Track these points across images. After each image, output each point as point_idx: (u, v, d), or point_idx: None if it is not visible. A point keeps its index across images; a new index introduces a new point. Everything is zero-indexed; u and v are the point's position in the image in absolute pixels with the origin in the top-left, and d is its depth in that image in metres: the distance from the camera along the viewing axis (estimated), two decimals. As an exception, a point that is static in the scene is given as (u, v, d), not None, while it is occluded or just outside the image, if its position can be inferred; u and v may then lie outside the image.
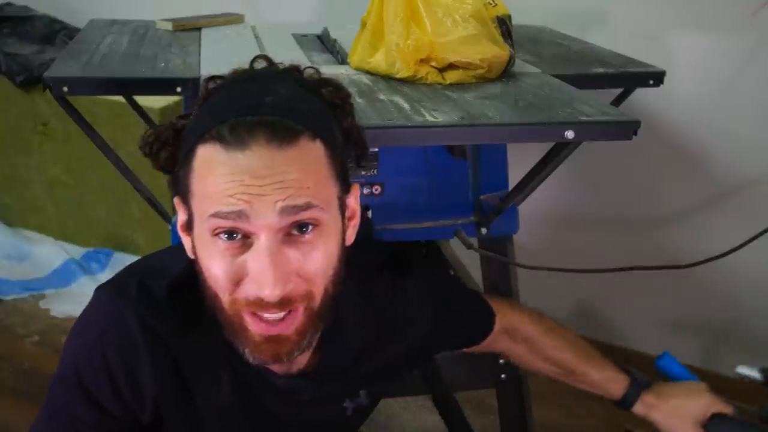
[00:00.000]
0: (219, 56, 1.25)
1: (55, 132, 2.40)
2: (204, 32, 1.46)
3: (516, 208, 1.28)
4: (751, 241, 1.31)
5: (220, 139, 0.68)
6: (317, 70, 0.81)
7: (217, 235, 0.69)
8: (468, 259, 1.57)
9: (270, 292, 0.68)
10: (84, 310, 0.79)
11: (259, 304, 0.70)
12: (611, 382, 1.09)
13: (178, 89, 1.11)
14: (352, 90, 1.09)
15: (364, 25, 1.21)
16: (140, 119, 1.55)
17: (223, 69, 0.79)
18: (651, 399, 1.06)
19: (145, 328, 0.75)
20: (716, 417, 1.02)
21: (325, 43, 1.47)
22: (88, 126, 1.19)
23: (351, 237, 0.79)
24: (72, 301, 2.22)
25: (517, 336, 1.12)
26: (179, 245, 0.77)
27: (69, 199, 2.50)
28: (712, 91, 1.77)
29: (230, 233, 0.68)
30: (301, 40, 1.46)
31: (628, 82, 1.35)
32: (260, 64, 0.80)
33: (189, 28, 1.48)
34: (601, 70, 1.32)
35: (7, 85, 2.35)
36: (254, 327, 0.72)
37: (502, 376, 1.35)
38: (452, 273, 1.68)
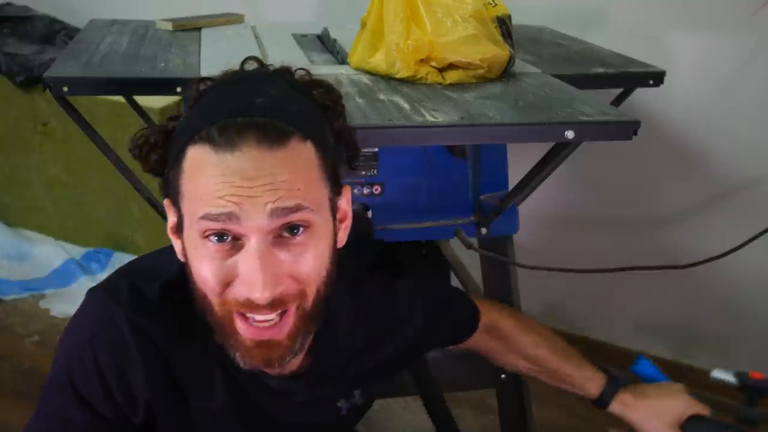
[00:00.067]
0: (219, 56, 1.25)
1: (55, 132, 2.40)
2: (204, 32, 1.46)
3: (516, 208, 1.28)
4: (751, 241, 1.31)
5: (210, 141, 0.68)
6: (308, 72, 0.81)
7: (207, 237, 0.68)
8: (468, 259, 1.57)
9: (260, 294, 0.67)
10: (76, 312, 0.79)
11: (249, 306, 0.69)
12: (588, 380, 1.09)
13: (178, 89, 1.11)
14: (352, 90, 1.09)
15: (364, 25, 1.21)
16: (140, 119, 1.55)
17: (223, 69, 0.79)
18: (628, 398, 1.06)
19: (136, 330, 0.75)
20: (693, 418, 1.02)
21: (325, 43, 1.47)
22: (88, 126, 1.18)
23: (342, 239, 0.78)
24: (72, 301, 2.22)
25: (496, 333, 1.13)
26: None
27: (69, 199, 2.50)
28: (712, 91, 1.77)
29: (220, 235, 0.68)
30: (301, 40, 1.46)
31: (628, 82, 1.35)
32: (251, 65, 0.80)
33: (189, 28, 1.48)
34: (601, 70, 1.32)
35: (7, 85, 2.35)
36: (245, 332, 0.71)
37: (502, 376, 1.35)
38: (452, 273, 1.69)
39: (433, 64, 1.12)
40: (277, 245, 0.69)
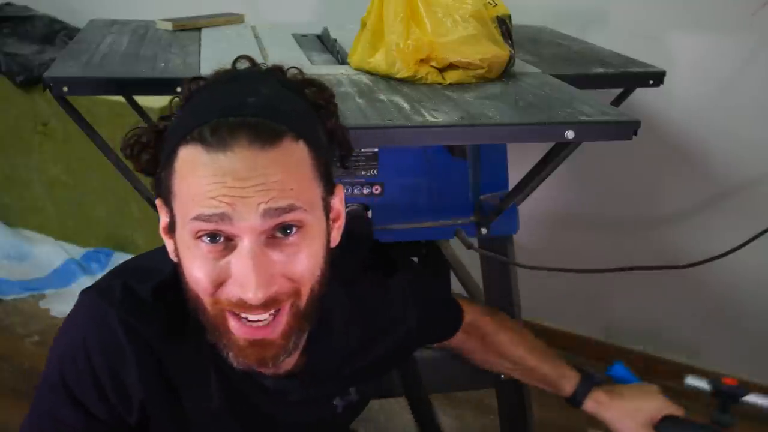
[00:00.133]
0: (219, 56, 1.25)
1: (55, 132, 2.40)
2: (204, 32, 1.46)
3: (516, 208, 1.28)
4: (751, 241, 1.31)
5: (202, 141, 0.67)
6: (300, 70, 0.80)
7: (199, 237, 0.68)
8: (468, 259, 1.57)
9: (253, 295, 0.67)
10: (69, 313, 0.79)
11: (242, 306, 0.69)
12: (563, 378, 1.10)
13: (178, 89, 1.11)
14: (352, 90, 1.09)
15: (364, 25, 1.21)
16: (140, 119, 1.55)
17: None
18: (602, 397, 1.06)
19: (129, 331, 0.75)
20: (667, 419, 1.02)
21: (325, 43, 1.47)
22: (88, 126, 1.18)
23: (336, 238, 0.78)
24: (72, 301, 2.19)
25: (475, 332, 1.13)
26: None
27: (69, 199, 2.50)
28: (712, 91, 1.77)
29: (213, 236, 0.68)
30: (301, 40, 1.46)
31: (628, 82, 1.35)
32: (243, 64, 0.79)
33: (189, 28, 1.48)
34: (601, 70, 1.32)
35: (7, 85, 2.35)
36: (238, 331, 0.71)
37: (502, 376, 1.35)
38: (452, 273, 1.69)
39: (433, 64, 1.12)
40: (270, 245, 0.69)
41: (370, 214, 1.22)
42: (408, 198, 1.25)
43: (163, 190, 0.73)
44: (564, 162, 1.37)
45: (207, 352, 0.77)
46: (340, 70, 1.21)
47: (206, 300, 0.71)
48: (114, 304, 0.75)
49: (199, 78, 0.77)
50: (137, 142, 0.76)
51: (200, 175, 0.67)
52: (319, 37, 1.52)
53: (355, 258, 0.95)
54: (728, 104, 1.75)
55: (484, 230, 1.26)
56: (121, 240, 2.46)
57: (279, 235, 0.69)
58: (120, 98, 1.39)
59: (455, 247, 1.61)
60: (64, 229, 2.55)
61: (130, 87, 1.20)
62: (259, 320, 0.70)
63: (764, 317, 1.89)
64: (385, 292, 0.96)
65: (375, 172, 1.22)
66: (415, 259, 1.76)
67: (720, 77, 1.75)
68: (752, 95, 1.73)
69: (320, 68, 1.23)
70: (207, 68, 1.14)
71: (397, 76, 1.13)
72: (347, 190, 1.21)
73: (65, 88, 1.07)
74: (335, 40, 1.39)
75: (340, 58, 1.31)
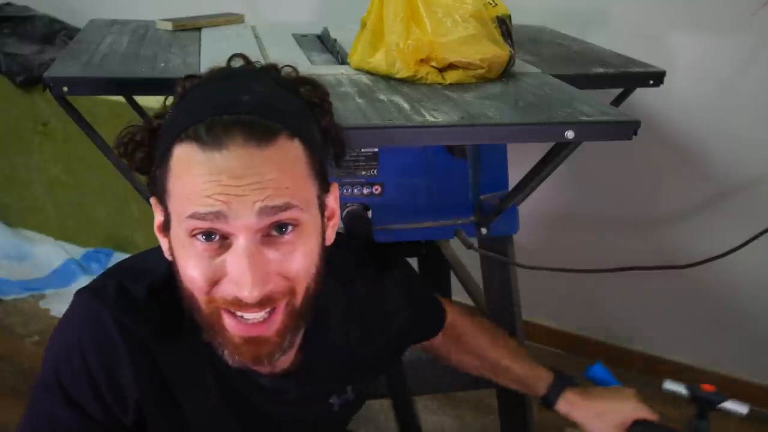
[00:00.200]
0: (219, 56, 1.25)
1: (55, 132, 2.40)
2: (204, 32, 1.46)
3: (516, 208, 1.28)
4: (751, 241, 1.31)
5: (197, 139, 0.67)
6: (295, 69, 0.80)
7: (194, 236, 0.68)
8: (468, 259, 1.57)
9: (248, 293, 0.67)
10: (64, 313, 0.78)
11: (237, 304, 0.69)
12: (536, 379, 1.09)
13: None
14: (352, 90, 1.09)
15: (364, 25, 1.21)
16: (140, 119, 1.54)
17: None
18: (575, 398, 1.05)
19: (123, 330, 0.74)
20: (639, 423, 1.01)
21: (325, 43, 1.47)
22: (88, 126, 1.18)
23: (331, 237, 0.78)
24: (72, 301, 2.22)
25: (452, 332, 1.12)
26: None
27: (69, 199, 2.50)
28: (712, 91, 1.77)
29: (208, 234, 0.68)
30: (301, 40, 1.46)
31: (628, 82, 1.35)
32: (237, 63, 0.79)
33: (189, 28, 1.48)
34: (601, 70, 1.32)
35: (7, 85, 2.35)
36: (233, 329, 0.71)
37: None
38: (452, 273, 1.69)
39: (433, 64, 1.12)
40: (266, 244, 0.69)
41: (370, 214, 1.22)
42: (408, 198, 1.25)
43: (157, 188, 0.73)
44: (564, 162, 1.37)
45: (202, 351, 0.77)
46: (340, 70, 1.22)
47: (201, 298, 0.70)
48: (108, 303, 0.75)
49: (193, 76, 0.77)
50: (131, 140, 0.75)
51: (195, 174, 0.67)
52: (319, 37, 1.52)
53: (352, 256, 0.95)
54: (728, 104, 1.75)
55: (484, 230, 1.26)
56: (121, 240, 2.46)
57: (274, 233, 0.69)
58: (120, 98, 1.39)
59: (455, 247, 1.61)
60: (64, 229, 2.55)
61: (130, 87, 1.20)
62: (254, 318, 0.70)
63: (764, 317, 1.89)
64: (380, 288, 0.96)
65: (375, 172, 1.22)
66: (415, 259, 1.76)
67: (720, 77, 1.75)
68: (752, 95, 1.73)
69: (320, 68, 1.23)
70: (207, 68, 1.14)
71: (397, 76, 1.13)
72: (347, 190, 1.21)
73: (65, 88, 1.07)
74: (335, 40, 1.39)
75: (340, 58, 1.31)
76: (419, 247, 1.73)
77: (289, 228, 0.69)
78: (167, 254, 0.74)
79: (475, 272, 1.46)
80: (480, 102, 1.05)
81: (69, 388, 0.75)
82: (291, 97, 0.75)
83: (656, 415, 1.02)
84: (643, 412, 1.02)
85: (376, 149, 1.21)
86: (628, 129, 0.98)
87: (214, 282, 0.69)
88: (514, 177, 1.25)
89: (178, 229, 0.70)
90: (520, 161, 1.28)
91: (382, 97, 1.06)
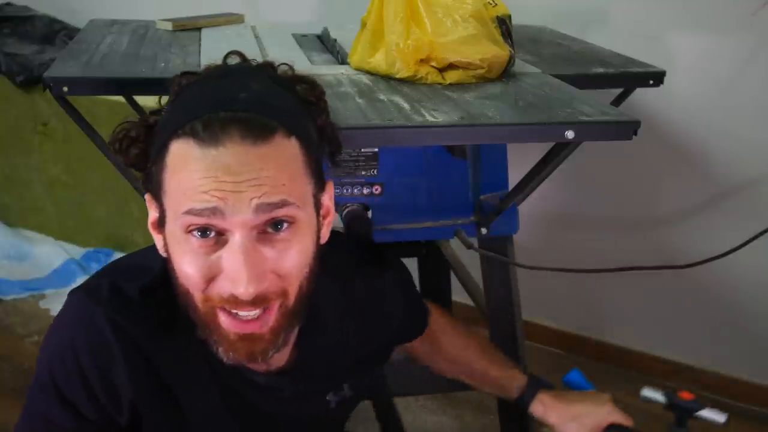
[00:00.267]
0: (219, 56, 1.25)
1: (55, 132, 2.40)
2: (204, 32, 1.46)
3: (516, 208, 1.28)
4: (751, 241, 1.31)
5: (194, 135, 0.67)
6: (291, 67, 0.80)
7: (190, 232, 0.68)
8: (468, 259, 1.57)
9: (244, 290, 0.67)
10: (58, 313, 0.78)
11: (233, 302, 0.69)
12: (510, 381, 1.09)
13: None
14: (352, 90, 1.09)
15: (364, 25, 1.21)
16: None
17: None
18: (549, 400, 1.05)
19: (116, 329, 0.74)
20: (612, 427, 1.01)
21: (325, 43, 1.47)
22: (88, 126, 1.18)
23: (325, 235, 0.78)
24: (72, 301, 2.22)
25: (429, 334, 1.11)
26: None
27: (69, 199, 2.50)
28: (712, 91, 1.77)
29: (204, 230, 0.68)
30: (301, 40, 1.46)
31: (628, 82, 1.35)
32: (233, 60, 0.79)
33: (189, 28, 1.48)
34: (601, 70, 1.32)
35: (7, 85, 2.35)
36: (228, 325, 0.71)
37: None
38: (452, 273, 1.69)
39: (433, 64, 1.12)
40: (261, 241, 0.69)
41: (370, 214, 1.22)
42: (408, 198, 1.25)
43: (153, 184, 0.73)
44: (564, 162, 1.37)
45: (197, 348, 0.77)
46: (340, 70, 1.22)
47: (197, 296, 0.70)
48: (101, 303, 0.75)
49: (189, 73, 0.77)
50: (126, 136, 0.75)
51: (192, 170, 0.67)
52: (319, 37, 1.52)
53: (351, 255, 0.95)
54: (728, 104, 1.75)
55: (484, 230, 1.26)
56: (121, 240, 2.46)
57: (270, 230, 0.69)
58: (120, 98, 1.39)
59: (455, 247, 1.61)
60: (64, 229, 2.55)
61: (130, 87, 1.20)
62: (248, 315, 0.70)
63: (764, 318, 1.89)
64: (379, 286, 0.96)
65: (375, 172, 1.22)
66: (415, 259, 1.76)
67: (720, 77, 1.75)
68: (752, 95, 1.73)
69: (320, 68, 1.23)
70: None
71: (397, 76, 1.13)
72: (347, 190, 1.21)
73: (65, 88, 1.07)
74: (335, 40, 1.39)
75: (340, 58, 1.31)
76: (419, 247, 1.73)
77: (285, 225, 0.69)
78: (162, 251, 0.74)
79: (475, 272, 1.46)
80: (480, 102, 1.05)
81: (63, 388, 0.75)
82: (287, 95, 0.75)
83: (630, 420, 1.02)
84: (617, 417, 1.01)
85: (376, 149, 1.21)
86: (628, 129, 0.98)
87: (210, 279, 0.69)
88: (514, 177, 1.25)
89: (173, 225, 0.70)
90: (520, 161, 1.28)
91: (382, 97, 1.06)
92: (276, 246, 0.69)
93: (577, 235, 2.03)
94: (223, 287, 0.69)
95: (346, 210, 1.19)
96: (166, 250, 0.73)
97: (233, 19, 1.57)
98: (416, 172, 1.25)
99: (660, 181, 1.92)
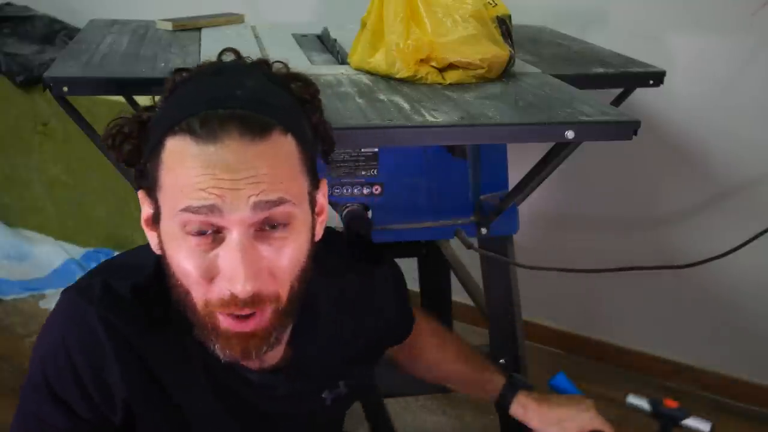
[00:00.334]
0: (219, 56, 1.25)
1: (55, 132, 2.40)
2: (204, 32, 1.46)
3: (516, 208, 1.28)
4: (751, 241, 1.31)
5: (191, 132, 0.67)
6: (285, 65, 0.80)
7: (187, 229, 0.68)
8: (468, 259, 1.57)
9: (242, 287, 0.67)
10: (50, 313, 0.78)
11: (233, 303, 0.69)
12: (488, 382, 1.08)
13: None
14: (352, 90, 1.09)
15: (364, 25, 1.21)
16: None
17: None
18: (529, 402, 1.05)
19: (108, 328, 0.74)
20: None
21: (325, 43, 1.47)
22: (88, 126, 1.19)
23: (319, 233, 0.78)
24: (72, 301, 2.22)
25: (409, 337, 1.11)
26: None
27: (69, 199, 2.50)
28: (712, 91, 1.77)
29: (201, 228, 0.68)
30: (301, 40, 1.46)
31: (628, 82, 1.35)
32: (228, 57, 0.79)
33: (189, 28, 1.48)
34: (601, 70, 1.32)
35: (7, 85, 2.35)
36: (223, 322, 0.71)
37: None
38: (452, 273, 1.69)
39: (433, 64, 1.12)
40: (258, 239, 0.69)
41: (370, 214, 1.22)
42: (408, 198, 1.25)
43: (147, 181, 0.72)
44: (564, 162, 1.37)
45: (193, 348, 0.77)
46: (340, 70, 1.22)
47: (198, 298, 0.70)
48: (93, 301, 0.75)
49: (183, 69, 0.76)
50: (119, 132, 0.75)
51: (189, 167, 0.67)
52: (319, 37, 1.52)
53: (344, 251, 0.95)
54: (728, 104, 1.76)
55: (484, 230, 1.26)
56: (121, 240, 2.46)
57: (267, 228, 0.69)
58: (120, 98, 1.39)
59: (455, 247, 1.61)
60: (64, 229, 2.55)
61: (130, 87, 1.20)
62: (242, 312, 0.70)
63: (764, 317, 1.89)
64: (371, 282, 0.96)
65: (375, 172, 1.22)
66: (415, 258, 1.76)
67: (720, 77, 1.75)
68: (752, 95, 1.73)
69: (320, 68, 1.23)
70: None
71: (397, 76, 1.13)
72: (347, 190, 1.21)
73: (65, 88, 1.07)
74: (335, 40, 1.39)
75: (340, 58, 1.31)
76: (419, 247, 1.73)
77: (282, 223, 0.69)
78: (156, 249, 0.74)
79: (475, 272, 1.46)
80: (480, 102, 1.05)
81: (55, 387, 0.75)
82: (282, 93, 0.75)
83: (612, 427, 1.01)
84: (599, 423, 1.01)
85: (376, 149, 1.21)
86: (628, 129, 0.98)
87: (209, 277, 0.69)
88: (514, 177, 1.25)
89: (170, 222, 0.69)
90: (520, 161, 1.28)
91: (382, 97, 1.06)
92: (273, 244, 0.69)
93: (577, 235, 2.03)
94: (222, 290, 0.69)
95: (346, 210, 1.19)
96: (161, 248, 0.72)
97: (233, 19, 1.57)
98: (416, 172, 1.25)
99: (660, 181, 1.92)
